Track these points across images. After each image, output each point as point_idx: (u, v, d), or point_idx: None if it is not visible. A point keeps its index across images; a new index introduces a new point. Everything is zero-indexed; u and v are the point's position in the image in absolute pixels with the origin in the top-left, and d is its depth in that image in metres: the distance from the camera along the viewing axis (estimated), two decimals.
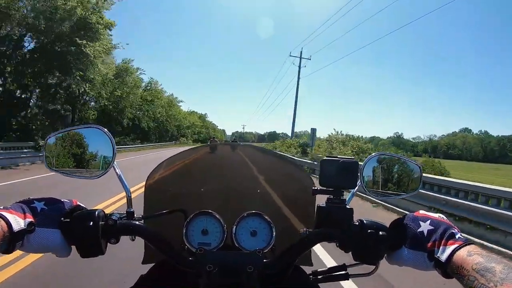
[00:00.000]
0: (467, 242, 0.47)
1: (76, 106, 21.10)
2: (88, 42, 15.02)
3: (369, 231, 0.55)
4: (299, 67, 30.11)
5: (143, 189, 0.75)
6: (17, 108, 15.62)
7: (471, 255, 0.44)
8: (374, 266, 0.60)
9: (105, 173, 0.61)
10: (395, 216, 0.76)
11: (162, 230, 0.64)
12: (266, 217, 0.67)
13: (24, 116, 15.88)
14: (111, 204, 5.09)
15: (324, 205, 0.61)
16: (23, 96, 16.70)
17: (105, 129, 0.61)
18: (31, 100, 17.35)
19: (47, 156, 0.62)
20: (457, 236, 0.49)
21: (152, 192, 0.75)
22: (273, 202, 0.78)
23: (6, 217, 0.46)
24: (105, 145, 0.61)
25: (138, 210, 0.68)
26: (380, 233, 0.55)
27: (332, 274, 0.68)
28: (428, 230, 0.52)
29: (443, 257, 0.47)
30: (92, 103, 24.60)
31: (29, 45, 15.72)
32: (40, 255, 2.80)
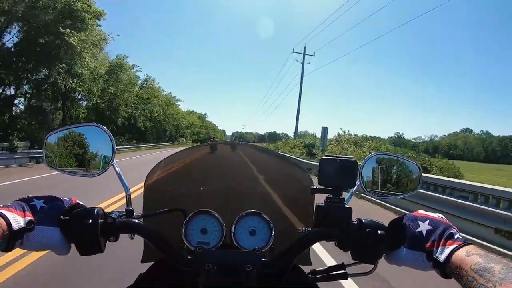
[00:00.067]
0: (466, 242, 0.47)
1: (65, 104, 19.85)
2: (72, 31, 13.52)
3: (367, 230, 0.55)
4: (303, 63, 29.19)
5: (142, 190, 0.75)
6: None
7: (470, 255, 0.44)
8: (373, 266, 0.60)
9: (104, 171, 0.62)
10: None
11: (161, 228, 0.64)
12: (265, 216, 0.67)
13: (9, 115, 14.85)
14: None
15: (323, 204, 0.62)
16: (7, 94, 15.43)
17: (105, 127, 0.61)
18: (16, 98, 16.06)
19: (48, 155, 0.62)
20: (456, 236, 0.49)
21: (152, 191, 0.75)
22: (272, 201, 0.78)
23: (5, 216, 0.46)
24: (105, 144, 0.61)
25: (138, 209, 0.68)
26: (379, 232, 0.55)
27: (330, 274, 0.68)
28: (427, 230, 0.52)
29: (442, 257, 0.47)
30: (85, 102, 23.40)
31: (11, 36, 14.44)
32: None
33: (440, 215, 0.55)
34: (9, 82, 14.91)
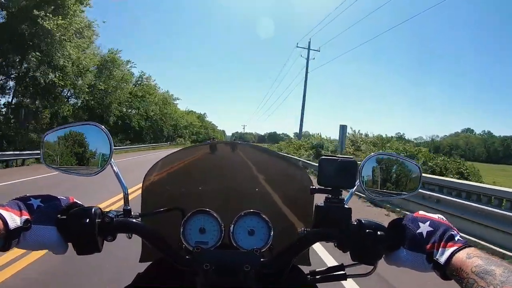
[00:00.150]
0: (467, 244, 0.47)
1: (48, 100, 17.04)
2: (48, 14, 11.68)
3: (367, 231, 0.55)
4: (307, 59, 28.29)
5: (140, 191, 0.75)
6: None
7: (471, 258, 0.44)
8: (372, 267, 0.60)
9: (102, 170, 0.61)
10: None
11: (159, 228, 0.63)
12: (264, 216, 0.67)
13: None
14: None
15: (322, 204, 0.61)
16: None
17: (103, 126, 0.61)
18: None
19: (48, 154, 0.62)
20: (456, 238, 0.48)
21: (150, 191, 0.75)
22: (271, 201, 0.78)
23: (2, 215, 0.46)
24: (103, 143, 0.61)
25: (137, 210, 0.68)
26: (379, 233, 0.54)
27: (330, 274, 0.68)
28: (427, 231, 0.51)
29: (442, 259, 0.47)
30: (73, 99, 21.49)
31: None
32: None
33: (441, 216, 0.55)
34: None
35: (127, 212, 0.60)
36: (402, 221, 0.55)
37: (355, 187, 0.64)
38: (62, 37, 12.85)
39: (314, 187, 0.64)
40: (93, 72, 21.21)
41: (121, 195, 0.64)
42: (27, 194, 0.53)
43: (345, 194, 0.64)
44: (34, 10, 11.32)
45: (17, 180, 7.99)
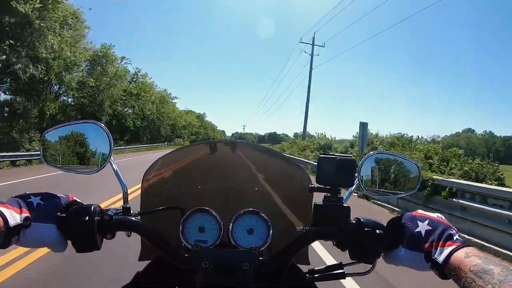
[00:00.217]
0: (465, 244, 0.47)
1: (32, 97, 15.51)
2: None
3: (366, 229, 0.55)
4: (312, 55, 27.30)
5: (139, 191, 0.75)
6: None
7: (469, 257, 0.44)
8: (371, 265, 0.60)
9: (101, 169, 0.62)
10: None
11: (158, 226, 0.63)
12: (263, 214, 0.67)
13: None
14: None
15: (321, 203, 0.61)
16: None
17: (102, 125, 0.61)
18: None
19: (50, 152, 0.62)
20: (455, 237, 0.48)
21: (149, 190, 0.75)
22: (270, 200, 0.78)
23: (2, 212, 0.46)
24: (102, 141, 0.61)
25: (137, 208, 0.68)
26: (377, 231, 0.54)
27: (328, 273, 0.68)
28: (426, 230, 0.51)
29: (441, 258, 0.47)
30: (62, 96, 19.89)
31: None
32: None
33: (440, 215, 0.55)
34: None
35: (126, 210, 0.60)
36: (401, 219, 0.55)
37: (354, 186, 0.64)
38: (42, 24, 11.25)
39: (313, 185, 0.64)
40: (83, 67, 19.92)
41: (122, 195, 0.64)
42: (27, 192, 0.54)
43: (344, 193, 0.64)
44: None
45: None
